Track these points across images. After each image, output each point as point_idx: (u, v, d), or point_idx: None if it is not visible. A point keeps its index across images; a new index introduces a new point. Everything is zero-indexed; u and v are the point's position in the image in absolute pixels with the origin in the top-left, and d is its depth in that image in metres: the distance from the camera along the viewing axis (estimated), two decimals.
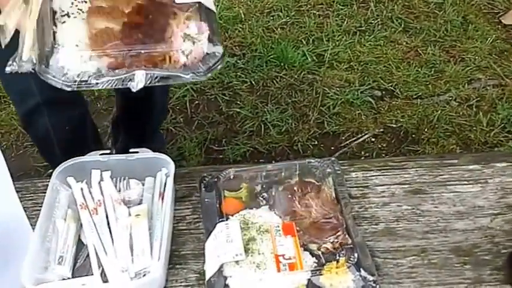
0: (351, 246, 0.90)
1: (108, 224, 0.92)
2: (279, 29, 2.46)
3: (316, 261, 0.89)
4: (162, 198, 0.96)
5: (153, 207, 0.95)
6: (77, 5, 0.86)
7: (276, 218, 0.96)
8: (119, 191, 0.97)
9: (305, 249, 0.90)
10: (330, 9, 2.58)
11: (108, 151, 1.00)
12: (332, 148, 1.99)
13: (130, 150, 1.00)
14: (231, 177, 1.03)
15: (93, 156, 0.99)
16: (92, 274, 0.86)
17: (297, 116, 2.09)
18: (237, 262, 0.87)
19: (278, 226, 0.92)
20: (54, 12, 0.85)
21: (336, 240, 0.92)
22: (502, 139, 2.01)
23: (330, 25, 2.48)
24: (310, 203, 0.97)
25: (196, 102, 2.16)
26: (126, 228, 0.89)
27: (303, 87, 2.20)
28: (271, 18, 2.52)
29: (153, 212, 0.95)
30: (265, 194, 1.00)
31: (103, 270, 0.86)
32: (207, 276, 0.87)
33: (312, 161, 1.04)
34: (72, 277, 0.87)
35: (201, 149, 1.98)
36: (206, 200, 0.99)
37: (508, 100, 2.13)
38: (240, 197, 1.00)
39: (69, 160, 0.98)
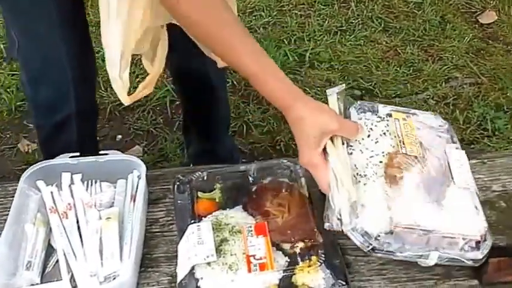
0: (323, 245, 0.90)
1: (79, 227, 0.91)
2: (261, 28, 2.46)
3: (289, 260, 0.89)
4: (134, 201, 0.95)
5: (124, 210, 0.95)
6: (372, 167, 0.91)
7: (249, 219, 0.95)
8: (90, 194, 0.96)
9: (278, 249, 0.90)
10: (312, 9, 2.58)
11: (77, 154, 0.99)
12: None
13: (100, 152, 0.99)
14: (205, 178, 1.03)
15: (63, 159, 0.98)
16: (61, 279, 0.85)
17: (278, 116, 2.08)
18: (208, 264, 0.87)
19: (250, 226, 0.92)
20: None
21: (308, 239, 0.91)
22: (478, 136, 2.03)
23: (311, 25, 2.48)
24: (283, 202, 0.97)
25: (177, 103, 2.15)
26: (96, 231, 0.89)
27: None
28: (254, 18, 2.52)
29: (125, 214, 0.94)
30: (238, 195, 1.00)
31: (72, 275, 0.85)
32: (178, 279, 0.87)
33: (285, 161, 1.04)
34: (41, 282, 0.86)
35: (182, 150, 1.98)
36: (179, 201, 0.99)
37: (483, 98, 2.15)
38: (213, 198, 1.00)
39: (38, 163, 0.96)
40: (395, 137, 0.95)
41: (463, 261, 0.85)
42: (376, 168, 0.90)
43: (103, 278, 0.84)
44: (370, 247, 0.83)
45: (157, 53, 1.19)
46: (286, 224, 0.94)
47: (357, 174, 0.90)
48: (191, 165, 1.85)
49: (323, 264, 0.87)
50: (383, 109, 1.01)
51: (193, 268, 0.86)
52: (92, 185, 0.98)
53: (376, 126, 0.97)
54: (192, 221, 0.93)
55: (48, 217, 0.92)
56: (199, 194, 1.00)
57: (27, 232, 0.90)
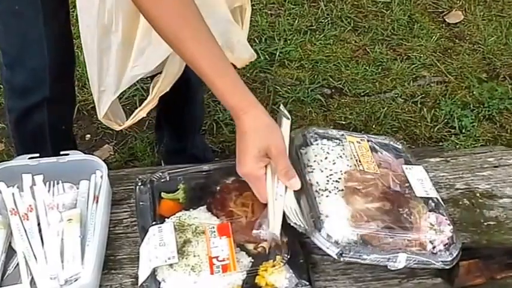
0: (286, 244, 0.91)
1: (40, 230, 0.90)
2: None
3: (253, 261, 0.89)
4: (97, 202, 0.95)
5: (87, 211, 0.94)
6: (332, 183, 0.95)
7: (213, 219, 0.95)
8: (52, 195, 0.95)
9: (242, 250, 0.91)
10: (282, 8, 2.60)
11: (37, 154, 0.98)
12: None
13: (61, 152, 0.98)
14: (167, 178, 1.03)
15: (23, 160, 0.97)
16: (21, 282, 0.83)
17: None
18: (171, 266, 0.86)
19: (213, 227, 0.92)
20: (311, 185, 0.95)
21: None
22: (445, 134, 2.07)
23: (281, 24, 2.49)
24: (247, 202, 0.97)
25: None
26: (57, 233, 0.88)
27: (255, 85, 2.21)
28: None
29: (88, 216, 0.93)
30: (202, 195, 0.99)
31: (33, 278, 0.84)
32: (140, 281, 0.86)
33: None
34: (1, 286, 0.85)
35: (153, 149, 1.97)
36: (141, 202, 0.98)
37: (450, 96, 2.19)
38: (177, 199, 1.00)
39: None
40: (351, 158, 1.01)
41: (433, 264, 0.88)
42: (336, 184, 0.96)
43: (63, 281, 0.83)
44: (338, 253, 0.86)
45: (159, 81, 1.24)
46: (250, 224, 0.94)
47: (319, 189, 0.95)
48: (162, 164, 1.84)
49: (287, 265, 0.88)
50: (337, 133, 1.07)
51: (155, 270, 0.86)
52: (53, 186, 0.97)
53: (332, 150, 1.03)
54: (154, 223, 0.93)
55: (9, 219, 0.91)
56: (163, 194, 1.00)
57: None
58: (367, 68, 2.31)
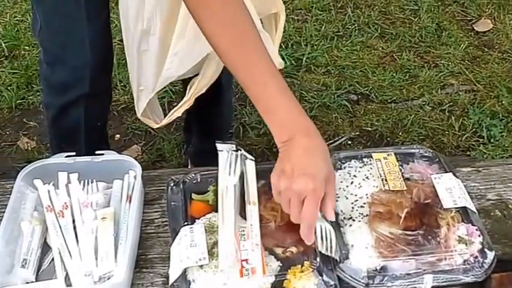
0: (315, 250, 0.91)
1: (74, 227, 0.92)
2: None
3: (281, 265, 0.90)
4: (130, 201, 0.96)
5: (120, 210, 0.95)
6: (357, 210, 0.97)
7: (242, 222, 0.96)
8: (87, 193, 0.97)
9: (270, 253, 0.91)
10: (309, 14, 2.60)
11: (73, 153, 1.00)
12: None
13: (96, 152, 1.00)
14: (198, 180, 1.04)
15: (59, 159, 0.99)
16: (56, 278, 0.85)
17: None
18: (201, 266, 0.88)
19: (243, 230, 0.93)
20: (336, 214, 0.95)
21: (301, 244, 0.92)
22: (473, 143, 2.05)
23: (308, 30, 2.50)
24: (276, 207, 0.98)
25: (175, 103, 2.14)
26: (91, 231, 0.89)
27: None
28: None
29: (120, 215, 0.95)
30: None
31: (67, 274, 0.86)
32: (170, 281, 0.87)
33: None
34: (36, 281, 0.87)
35: (180, 151, 1.99)
36: (172, 203, 1.00)
37: (479, 105, 2.17)
38: (206, 200, 1.01)
39: (35, 162, 0.97)
40: (378, 177, 1.01)
41: (463, 279, 0.88)
42: (361, 210, 0.97)
43: (97, 277, 0.85)
44: (364, 283, 0.87)
45: (195, 82, 1.28)
46: (279, 228, 0.95)
47: (344, 218, 0.96)
48: (189, 165, 1.86)
49: (315, 271, 0.88)
50: (363, 152, 1.08)
51: (185, 271, 0.87)
52: (88, 184, 0.99)
53: (359, 172, 1.04)
54: (185, 223, 0.94)
55: (45, 215, 0.93)
56: (193, 195, 1.01)
57: (24, 230, 0.90)
58: (395, 74, 2.30)
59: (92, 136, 1.42)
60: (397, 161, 1.04)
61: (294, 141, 0.88)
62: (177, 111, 1.31)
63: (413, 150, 1.08)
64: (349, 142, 2.06)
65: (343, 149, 2.00)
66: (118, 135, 2.05)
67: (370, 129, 2.10)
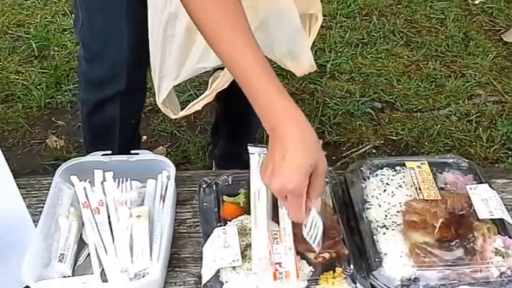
0: (349, 257, 0.91)
1: (110, 224, 0.93)
2: None
3: (313, 270, 0.90)
4: (163, 201, 0.97)
5: (154, 209, 0.97)
6: (390, 218, 0.96)
7: (275, 225, 0.96)
8: (121, 191, 0.99)
9: (302, 258, 0.91)
10: (333, 21, 2.61)
11: (109, 152, 1.02)
12: (333, 158, 2.00)
13: (132, 151, 1.01)
14: (230, 182, 1.05)
15: (96, 157, 1.01)
16: (92, 273, 0.87)
17: None
18: (233, 268, 0.88)
19: (276, 234, 0.93)
20: (370, 222, 0.96)
21: (333, 250, 0.92)
22: (502, 155, 2.02)
23: (332, 36, 2.50)
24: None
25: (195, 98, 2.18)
26: (127, 229, 0.91)
27: (304, 96, 2.22)
28: None
29: (154, 214, 0.96)
30: None
31: (103, 269, 0.87)
32: (204, 281, 0.88)
33: None
34: (72, 275, 0.88)
35: (205, 153, 2.00)
36: (205, 204, 1.01)
37: (507, 117, 2.15)
38: (238, 203, 1.01)
39: (72, 159, 0.99)
40: (411, 186, 1.00)
41: None
42: (394, 218, 0.96)
43: (133, 274, 0.86)
44: None
45: (218, 77, 1.26)
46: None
47: (377, 226, 0.96)
48: (213, 167, 1.87)
49: (348, 278, 0.88)
50: (396, 160, 1.07)
51: (218, 271, 0.88)
52: (122, 183, 1.00)
53: (392, 180, 1.03)
54: (218, 224, 0.95)
55: (81, 212, 0.94)
56: (225, 197, 1.02)
57: (61, 225, 0.92)
58: (420, 83, 2.29)
59: (125, 134, 1.44)
60: (431, 170, 1.03)
61: (278, 130, 0.83)
62: (197, 105, 1.29)
63: (448, 160, 1.08)
64: (374, 150, 2.06)
65: (371, 157, 2.00)
66: (145, 137, 2.07)
67: (395, 138, 2.09)
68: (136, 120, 1.53)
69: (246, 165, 1.65)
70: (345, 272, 0.89)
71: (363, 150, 2.04)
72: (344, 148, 2.04)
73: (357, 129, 2.11)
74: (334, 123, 2.12)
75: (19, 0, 2.68)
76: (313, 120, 2.11)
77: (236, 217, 0.98)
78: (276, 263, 0.88)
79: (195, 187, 1.06)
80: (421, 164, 1.04)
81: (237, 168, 1.10)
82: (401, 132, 2.10)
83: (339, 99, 2.21)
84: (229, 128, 1.74)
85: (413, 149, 2.04)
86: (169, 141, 2.03)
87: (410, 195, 0.99)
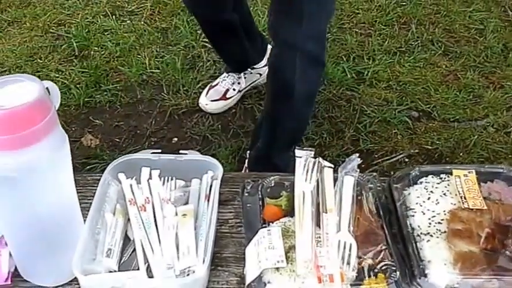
0: (392, 263, 0.91)
1: (155, 221, 0.94)
2: None
3: (356, 275, 0.89)
4: (208, 200, 0.98)
5: (198, 209, 0.98)
6: (434, 225, 0.96)
7: (317, 229, 0.97)
8: (167, 190, 1.00)
9: (345, 262, 0.91)
10: (372, 28, 2.60)
11: (158, 150, 1.03)
12: (363, 166, 1.98)
13: (180, 151, 1.02)
14: (272, 184, 1.05)
15: (145, 154, 1.02)
16: (138, 269, 0.88)
17: (332, 131, 2.10)
18: (277, 269, 0.89)
19: (319, 237, 0.93)
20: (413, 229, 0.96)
21: (376, 255, 0.92)
22: None
23: (371, 44, 2.50)
24: (355, 216, 0.98)
25: (233, 110, 2.20)
26: (172, 226, 0.92)
27: (341, 103, 2.22)
28: None
29: (199, 213, 0.97)
30: None
31: (149, 265, 0.88)
32: (248, 281, 0.88)
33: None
34: (118, 270, 0.89)
35: (234, 158, 2.01)
36: (248, 205, 1.01)
37: None
38: (280, 205, 1.02)
39: (122, 157, 1.01)
40: (456, 195, 1.00)
41: None
42: (438, 226, 0.96)
43: (179, 271, 0.87)
44: None
45: None
46: (356, 238, 0.94)
47: (421, 233, 0.95)
48: (245, 169, 1.88)
49: (393, 284, 0.88)
50: (442, 168, 1.06)
51: (262, 272, 0.88)
52: (167, 181, 1.01)
53: (436, 188, 1.02)
54: (263, 226, 0.96)
55: (127, 208, 0.96)
56: (267, 199, 1.03)
57: (107, 221, 0.93)
58: (458, 93, 2.27)
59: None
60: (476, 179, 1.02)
61: None
62: None
63: (496, 170, 1.06)
64: (406, 159, 2.04)
65: (403, 166, 1.98)
66: (176, 139, 2.09)
67: (430, 147, 2.07)
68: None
69: (275, 170, 1.68)
70: (390, 278, 0.88)
71: (395, 159, 2.03)
72: (376, 156, 2.03)
73: (392, 137, 2.10)
74: (370, 131, 2.11)
75: (60, 0, 2.74)
76: (349, 127, 2.10)
77: (278, 219, 0.98)
78: (320, 266, 0.88)
79: (237, 188, 1.07)
80: (468, 172, 1.03)
81: (268, 171, 1.11)
82: (437, 142, 2.08)
83: (375, 107, 2.20)
84: (272, 133, 1.74)
85: (447, 159, 2.02)
86: (201, 145, 2.05)
87: (454, 204, 0.99)
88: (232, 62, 2.15)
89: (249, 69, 2.18)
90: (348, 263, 0.90)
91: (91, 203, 0.95)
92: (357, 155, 1.03)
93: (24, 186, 0.79)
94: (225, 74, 2.19)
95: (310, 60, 1.53)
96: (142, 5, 2.72)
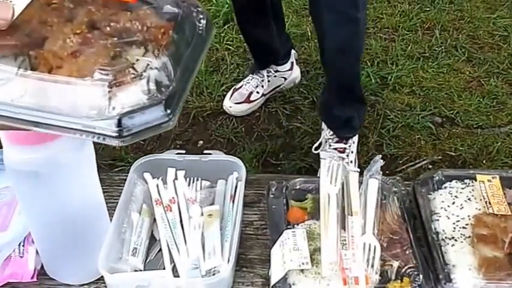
0: (417, 266, 0.91)
1: (181, 221, 0.95)
2: None
3: (380, 278, 0.89)
4: (233, 201, 0.99)
5: (224, 209, 0.98)
6: (459, 230, 0.96)
7: (342, 231, 0.96)
8: (192, 190, 1.00)
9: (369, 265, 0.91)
10: (396, 33, 2.59)
11: (183, 151, 1.04)
12: (387, 171, 1.97)
13: (204, 152, 1.03)
14: (297, 186, 1.05)
15: (170, 155, 1.03)
16: (164, 268, 0.89)
17: (360, 134, 2.09)
18: (301, 271, 0.89)
19: (344, 240, 0.93)
20: (437, 233, 0.96)
21: (401, 258, 0.92)
22: None
23: (394, 49, 2.49)
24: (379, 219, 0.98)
25: (257, 114, 2.20)
26: (198, 226, 0.92)
27: None
28: None
29: (224, 214, 0.97)
30: None
31: (174, 265, 0.89)
32: (272, 282, 0.89)
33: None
34: (144, 269, 0.90)
35: (258, 161, 2.02)
36: (273, 207, 1.01)
37: None
38: (305, 207, 1.02)
39: (146, 156, 1.02)
40: (480, 200, 0.99)
41: None
42: (463, 231, 0.96)
43: (204, 271, 0.87)
44: None
45: None
46: (381, 241, 0.95)
47: (445, 237, 0.95)
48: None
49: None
50: (466, 173, 1.06)
51: (286, 273, 0.89)
52: (193, 182, 1.02)
53: (461, 193, 1.02)
54: (287, 227, 0.96)
55: (153, 208, 0.97)
56: (292, 202, 1.03)
57: (134, 220, 0.94)
58: (481, 100, 2.24)
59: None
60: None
61: None
62: None
63: None
64: (430, 166, 2.02)
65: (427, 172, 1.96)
66: (201, 142, 2.10)
67: (453, 153, 2.05)
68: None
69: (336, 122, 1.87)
70: (414, 282, 0.88)
71: (419, 165, 2.01)
72: (400, 162, 2.02)
73: (416, 143, 2.08)
74: (393, 136, 2.09)
75: None
76: (372, 132, 2.09)
77: (303, 221, 0.98)
78: (345, 269, 0.88)
79: (262, 190, 1.07)
80: (492, 177, 1.03)
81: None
82: (461, 148, 2.06)
83: (399, 112, 2.19)
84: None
85: (471, 166, 2.00)
86: (225, 148, 2.05)
87: (479, 209, 0.98)
88: (258, 51, 2.16)
89: (273, 72, 2.18)
90: (372, 266, 0.89)
91: (117, 202, 0.95)
92: (380, 156, 1.03)
93: (49, 182, 0.79)
94: (248, 77, 2.20)
95: (337, 14, 1.62)
96: None
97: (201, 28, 0.62)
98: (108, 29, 0.58)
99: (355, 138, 1.95)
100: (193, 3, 0.63)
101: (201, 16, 0.63)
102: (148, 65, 0.54)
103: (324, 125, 1.97)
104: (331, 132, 1.92)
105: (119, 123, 0.51)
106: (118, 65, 0.53)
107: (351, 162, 1.90)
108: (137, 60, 0.55)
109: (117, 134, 0.52)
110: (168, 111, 0.52)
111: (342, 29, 1.65)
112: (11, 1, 0.56)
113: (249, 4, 1.95)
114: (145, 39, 0.56)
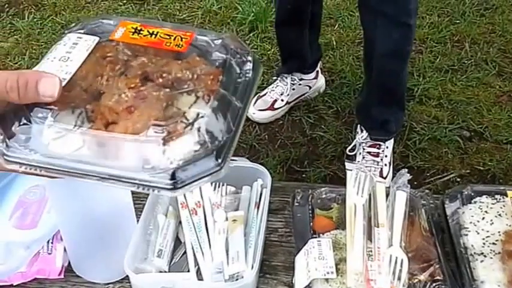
0: (444, 281, 0.89)
1: (206, 225, 0.95)
2: None
3: None
4: (257, 208, 0.99)
5: (248, 215, 0.98)
6: (488, 246, 0.94)
7: (368, 242, 0.95)
8: (218, 195, 1.00)
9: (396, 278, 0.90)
10: (423, 45, 2.56)
11: None
12: (415, 183, 1.95)
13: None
14: (323, 195, 1.05)
15: None
16: (188, 271, 0.89)
17: None
18: (326, 280, 0.88)
19: (370, 251, 0.92)
20: (466, 248, 0.94)
21: (428, 272, 0.91)
22: None
23: (422, 61, 2.46)
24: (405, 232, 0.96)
25: (281, 121, 2.20)
26: (223, 231, 0.92)
27: None
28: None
29: (248, 219, 0.97)
30: None
31: (198, 268, 0.89)
32: None
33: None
34: (169, 271, 0.90)
35: (282, 168, 2.01)
36: (298, 215, 1.01)
37: None
38: (330, 217, 1.01)
39: None
40: (511, 216, 0.97)
41: None
42: (493, 247, 0.94)
43: (228, 276, 0.87)
44: None
45: None
46: (406, 254, 0.93)
47: (474, 253, 0.93)
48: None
49: None
50: (496, 189, 1.04)
51: (311, 282, 0.88)
52: (218, 187, 1.02)
53: (491, 208, 1.00)
54: (313, 236, 0.95)
55: (179, 211, 0.97)
56: (317, 211, 1.02)
57: (160, 222, 0.95)
58: (511, 115, 2.21)
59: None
60: None
61: None
62: None
63: None
64: (458, 179, 1.99)
65: (455, 185, 1.94)
66: None
67: (482, 168, 2.02)
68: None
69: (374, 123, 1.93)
70: None
71: (447, 178, 1.98)
72: (428, 174, 1.99)
73: (443, 156, 2.06)
74: (420, 149, 2.07)
75: (113, 6, 2.83)
76: (398, 143, 2.07)
77: (328, 231, 0.98)
78: (371, 280, 0.87)
79: (287, 197, 1.07)
80: None
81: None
82: (489, 163, 2.02)
83: (425, 125, 2.17)
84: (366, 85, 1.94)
85: (500, 181, 1.96)
86: (248, 154, 2.06)
87: (510, 225, 0.97)
88: (287, 54, 2.18)
89: (298, 80, 2.18)
90: (399, 279, 0.88)
91: (144, 204, 0.96)
92: (406, 170, 1.02)
93: (80, 184, 0.79)
94: (273, 85, 2.20)
95: (389, 20, 1.69)
96: (193, 14, 2.78)
97: (248, 71, 0.63)
98: (160, 80, 0.59)
99: (389, 144, 1.94)
100: (240, 46, 0.64)
101: (249, 58, 0.64)
102: (199, 114, 0.55)
103: (358, 128, 1.97)
104: (365, 135, 1.92)
105: (173, 177, 0.52)
106: (170, 115, 0.55)
107: (385, 165, 1.89)
108: (189, 107, 0.56)
109: (171, 187, 0.53)
110: (219, 160, 0.53)
111: (394, 35, 1.71)
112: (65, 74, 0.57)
113: (293, 9, 1.98)
114: (195, 87, 0.57)
